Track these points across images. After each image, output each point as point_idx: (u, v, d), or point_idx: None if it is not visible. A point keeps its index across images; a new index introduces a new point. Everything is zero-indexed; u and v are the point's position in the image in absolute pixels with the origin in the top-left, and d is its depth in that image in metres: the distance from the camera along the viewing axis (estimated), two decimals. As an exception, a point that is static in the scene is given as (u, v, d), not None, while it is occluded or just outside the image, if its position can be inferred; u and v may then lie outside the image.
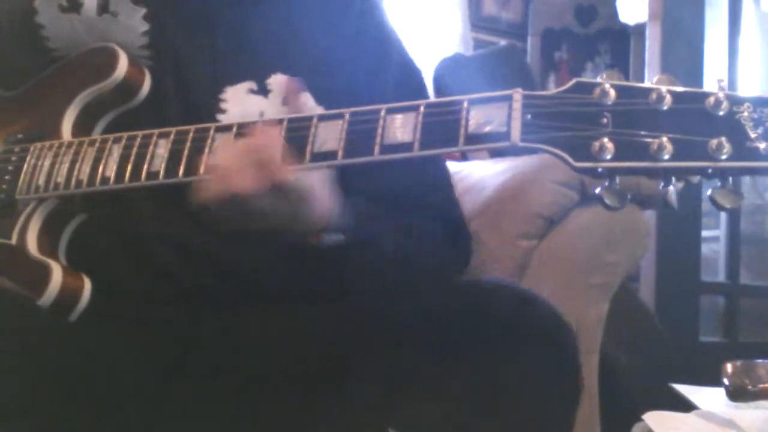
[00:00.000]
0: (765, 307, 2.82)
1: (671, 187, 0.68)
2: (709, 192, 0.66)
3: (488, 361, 0.82)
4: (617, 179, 0.68)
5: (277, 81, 0.98)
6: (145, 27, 0.99)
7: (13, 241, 0.92)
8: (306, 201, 0.82)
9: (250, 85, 0.98)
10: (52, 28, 1.01)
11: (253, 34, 1.02)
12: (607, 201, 0.69)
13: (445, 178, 1.08)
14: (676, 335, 2.29)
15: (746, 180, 3.08)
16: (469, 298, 0.90)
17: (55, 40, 1.01)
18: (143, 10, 0.99)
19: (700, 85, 0.69)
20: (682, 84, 0.69)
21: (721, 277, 2.72)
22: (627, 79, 0.71)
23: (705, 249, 2.59)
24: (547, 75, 4.10)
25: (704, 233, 2.56)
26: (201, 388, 0.93)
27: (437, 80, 2.60)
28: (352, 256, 0.90)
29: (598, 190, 0.69)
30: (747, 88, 2.79)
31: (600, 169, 0.67)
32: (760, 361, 0.88)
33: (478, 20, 3.91)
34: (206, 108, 0.96)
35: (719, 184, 0.66)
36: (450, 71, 2.60)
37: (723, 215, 2.73)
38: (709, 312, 2.66)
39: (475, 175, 1.44)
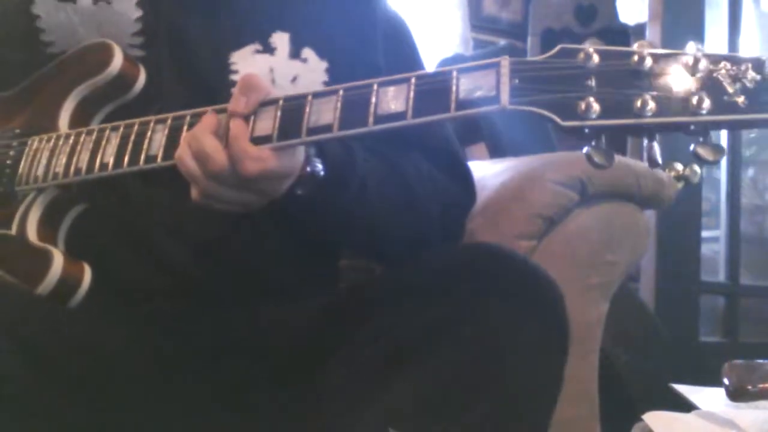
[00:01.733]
0: (765, 307, 2.82)
1: (655, 143, 0.70)
2: (691, 147, 0.69)
3: (474, 320, 0.82)
4: (603, 138, 0.71)
5: (279, 38, 1.00)
6: (138, 13, 1.00)
7: (13, 231, 0.93)
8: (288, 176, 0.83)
9: (255, 46, 1.00)
10: (47, 18, 1.01)
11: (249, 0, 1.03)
12: (595, 159, 0.71)
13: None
14: (676, 335, 2.29)
15: (746, 180, 3.07)
16: (455, 260, 0.90)
17: (50, 32, 1.01)
18: None
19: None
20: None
21: (721, 277, 2.72)
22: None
23: (705, 249, 2.59)
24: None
25: (704, 233, 2.56)
26: (199, 380, 0.93)
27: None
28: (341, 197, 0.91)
29: (585, 150, 0.71)
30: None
31: (587, 129, 0.70)
32: (760, 361, 0.89)
33: (478, 20, 3.91)
34: (216, 76, 0.97)
35: (701, 139, 0.69)
36: (450, 71, 2.60)
37: (723, 215, 2.73)
38: (709, 312, 2.66)
39: (475, 175, 1.44)
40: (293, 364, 0.91)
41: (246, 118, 0.82)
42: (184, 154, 0.82)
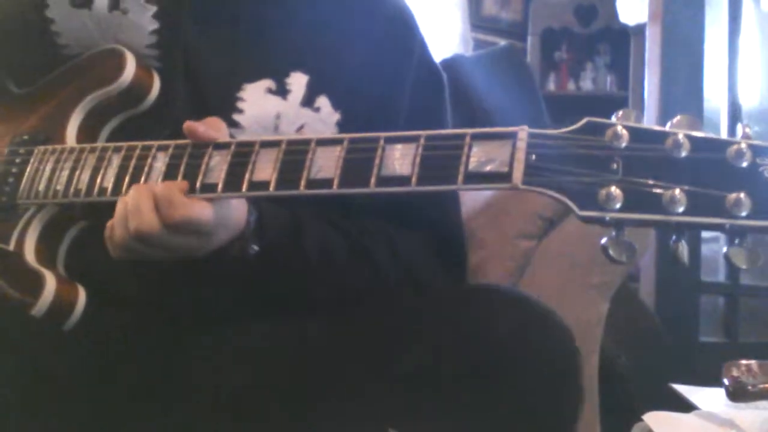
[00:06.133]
0: (765, 307, 2.82)
1: (682, 242, 0.63)
2: (724, 249, 0.62)
3: (486, 368, 0.82)
4: (625, 230, 0.64)
5: (297, 79, 0.97)
6: (154, 25, 0.98)
7: (11, 246, 0.92)
8: (222, 228, 0.82)
9: (269, 83, 0.97)
10: (62, 22, 1.00)
11: (273, 33, 1.00)
12: (611, 253, 0.64)
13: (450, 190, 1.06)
14: (676, 335, 2.29)
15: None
16: (466, 303, 0.89)
17: (64, 35, 1.00)
18: (153, 9, 0.98)
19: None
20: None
21: (721, 277, 2.72)
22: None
23: (705, 249, 2.58)
24: (547, 75, 4.10)
25: (704, 233, 2.56)
26: (199, 392, 0.93)
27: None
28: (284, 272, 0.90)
29: (603, 241, 0.65)
30: (747, 89, 2.78)
31: (607, 218, 0.63)
32: (760, 361, 0.88)
33: (478, 20, 3.91)
34: (221, 107, 0.95)
35: (736, 241, 0.61)
36: (450, 72, 2.60)
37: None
38: (709, 312, 2.66)
39: (475, 175, 1.44)
40: (295, 374, 0.91)
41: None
42: (123, 201, 0.82)
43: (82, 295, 0.90)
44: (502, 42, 3.57)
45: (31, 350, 0.84)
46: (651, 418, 0.91)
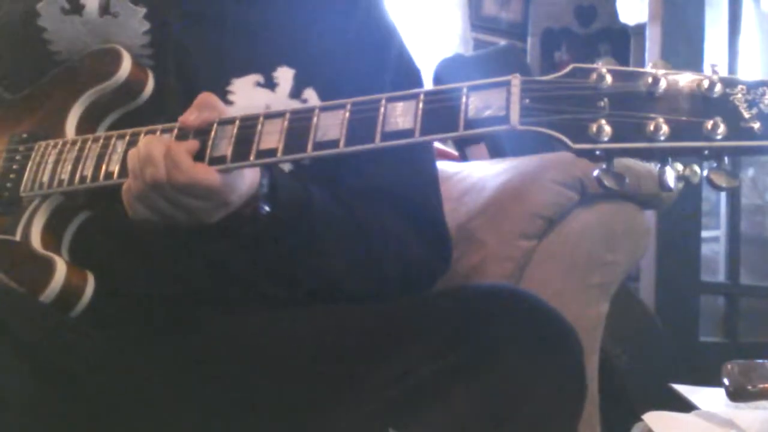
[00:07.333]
0: (765, 307, 2.82)
1: (668, 168, 0.69)
2: (705, 172, 0.68)
3: (492, 366, 0.82)
4: (614, 162, 0.70)
5: (284, 73, 0.99)
6: (146, 27, 1.00)
7: (17, 237, 0.92)
8: (227, 192, 0.83)
9: (257, 77, 0.99)
10: (54, 30, 1.01)
11: (258, 29, 1.03)
12: (605, 182, 0.70)
13: (432, 178, 1.08)
14: (676, 335, 2.29)
15: (746, 180, 3.07)
16: (474, 302, 0.89)
17: (57, 42, 1.02)
18: (143, 10, 1.00)
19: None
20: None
21: (721, 277, 2.72)
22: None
23: (705, 249, 2.59)
24: (547, 75, 4.10)
25: (704, 233, 2.56)
26: (201, 388, 0.93)
27: (437, 80, 2.60)
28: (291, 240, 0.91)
29: (596, 173, 0.70)
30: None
31: (598, 151, 0.69)
32: (760, 361, 0.89)
33: (478, 20, 3.91)
34: None
35: (715, 165, 0.68)
36: (450, 71, 2.60)
37: (723, 215, 2.73)
38: (709, 312, 2.66)
39: (475, 175, 1.44)
40: (296, 372, 0.91)
41: (199, 135, 0.83)
42: (134, 151, 0.84)
43: (90, 282, 0.91)
44: (502, 42, 3.57)
45: (33, 344, 0.84)
46: (651, 418, 0.91)
